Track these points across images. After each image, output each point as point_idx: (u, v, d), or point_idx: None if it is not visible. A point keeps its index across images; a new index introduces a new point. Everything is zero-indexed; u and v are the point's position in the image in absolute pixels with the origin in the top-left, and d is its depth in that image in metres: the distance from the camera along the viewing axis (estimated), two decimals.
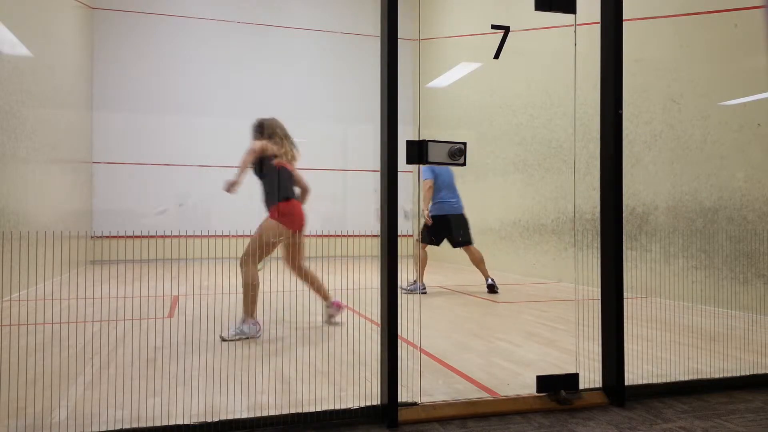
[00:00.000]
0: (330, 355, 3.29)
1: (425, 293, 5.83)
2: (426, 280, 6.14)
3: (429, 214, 6.01)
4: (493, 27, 2.56)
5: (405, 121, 2.38)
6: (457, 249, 6.18)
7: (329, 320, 4.16)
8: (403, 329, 2.55)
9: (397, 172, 2.26)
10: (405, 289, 5.72)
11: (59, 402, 2.44)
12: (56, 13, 7.76)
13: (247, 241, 3.80)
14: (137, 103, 10.00)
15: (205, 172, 9.86)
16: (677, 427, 2.24)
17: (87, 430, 2.11)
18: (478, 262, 6.06)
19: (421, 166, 2.38)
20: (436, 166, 5.63)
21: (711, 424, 2.27)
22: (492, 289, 5.93)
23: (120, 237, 8.57)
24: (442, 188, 6.02)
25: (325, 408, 2.25)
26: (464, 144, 2.33)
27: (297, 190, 4.15)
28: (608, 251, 2.57)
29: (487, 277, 6.01)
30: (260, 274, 3.85)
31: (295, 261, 4.12)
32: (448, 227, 6.07)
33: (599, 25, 2.61)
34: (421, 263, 5.99)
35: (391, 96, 2.25)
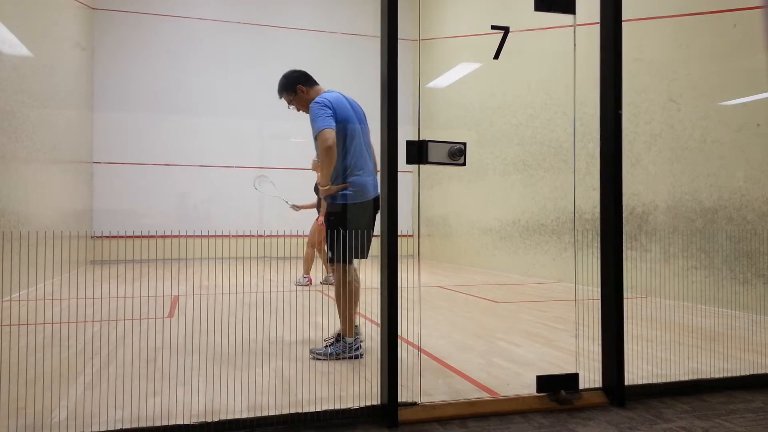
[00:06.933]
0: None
1: None
2: (426, 279, 6.13)
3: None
4: (493, 27, 2.55)
5: (405, 121, 2.38)
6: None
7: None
8: (403, 329, 2.55)
9: (397, 172, 2.26)
10: None
11: (59, 402, 2.44)
12: (56, 13, 7.76)
13: (247, 241, 3.79)
14: (137, 103, 9.99)
15: (205, 172, 9.86)
16: (677, 427, 2.24)
17: (87, 430, 2.11)
18: None
19: None
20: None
21: (711, 424, 2.27)
22: None
23: (120, 237, 8.56)
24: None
25: (325, 408, 2.25)
26: (464, 144, 2.33)
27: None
28: (608, 251, 2.57)
29: None
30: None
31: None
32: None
33: (599, 25, 2.61)
34: None
35: (391, 96, 2.25)
